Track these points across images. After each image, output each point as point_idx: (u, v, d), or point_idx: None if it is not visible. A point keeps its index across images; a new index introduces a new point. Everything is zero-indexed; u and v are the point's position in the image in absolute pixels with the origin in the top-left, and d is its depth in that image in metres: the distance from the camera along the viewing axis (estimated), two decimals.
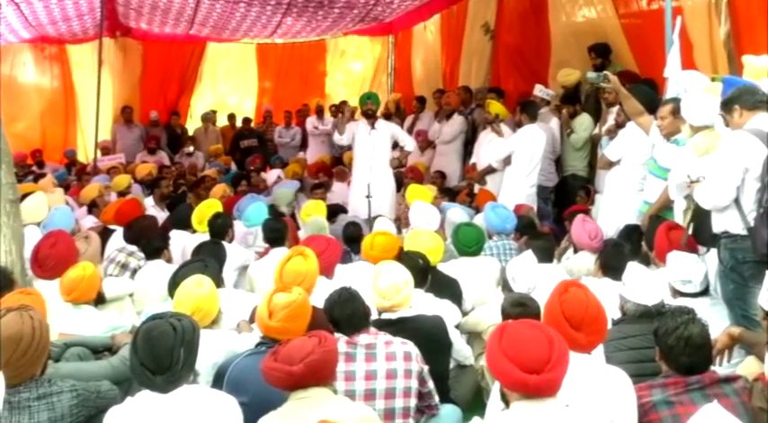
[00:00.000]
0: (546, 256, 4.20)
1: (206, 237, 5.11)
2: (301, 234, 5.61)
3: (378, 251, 4.24)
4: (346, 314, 2.90)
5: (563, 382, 2.08)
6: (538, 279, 3.68)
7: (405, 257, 3.78)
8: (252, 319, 3.41)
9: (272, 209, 6.43)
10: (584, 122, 7.09)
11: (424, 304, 3.54)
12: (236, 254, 5.00)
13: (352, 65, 12.66)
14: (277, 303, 2.82)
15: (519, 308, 3.02)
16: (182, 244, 5.20)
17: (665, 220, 4.19)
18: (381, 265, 3.36)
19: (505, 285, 3.84)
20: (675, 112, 4.34)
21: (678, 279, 3.47)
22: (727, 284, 3.41)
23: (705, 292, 3.49)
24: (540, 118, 6.88)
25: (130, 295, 4.32)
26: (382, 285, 3.19)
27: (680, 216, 4.11)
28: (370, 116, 7.15)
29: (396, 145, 7.70)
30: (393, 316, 3.17)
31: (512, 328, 2.15)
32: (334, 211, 6.59)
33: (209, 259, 3.87)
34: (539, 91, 7.49)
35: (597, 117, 6.88)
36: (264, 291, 3.23)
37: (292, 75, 12.25)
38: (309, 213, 5.88)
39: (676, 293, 3.49)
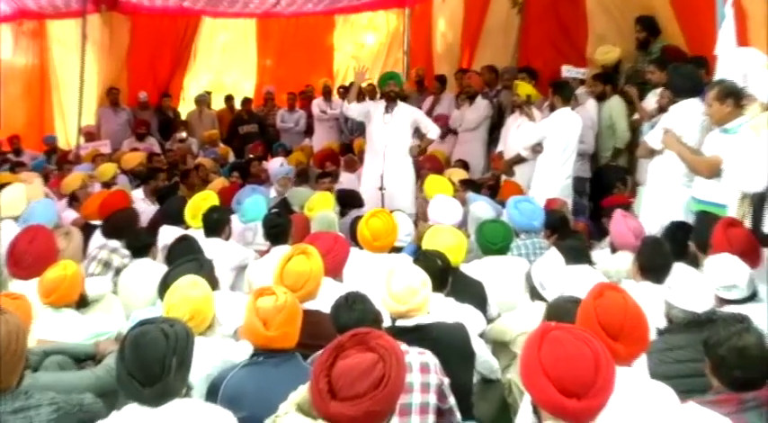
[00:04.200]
0: (578, 256, 4.17)
1: (200, 232, 5.13)
2: None
3: (373, 236, 4.35)
4: (354, 319, 2.90)
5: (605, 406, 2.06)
6: (569, 283, 3.66)
7: (422, 257, 3.77)
8: None
9: (285, 205, 6.44)
10: (613, 106, 7.06)
11: (444, 310, 3.53)
12: (234, 252, 5.02)
13: (364, 39, 12.64)
14: (267, 310, 2.82)
15: (570, 303, 2.98)
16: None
17: (719, 217, 4.14)
18: (395, 265, 3.36)
19: (533, 292, 3.82)
20: (723, 96, 4.29)
21: (721, 285, 3.43)
22: None
23: (752, 297, 3.45)
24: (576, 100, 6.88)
25: (114, 295, 4.34)
26: (396, 288, 3.18)
27: (734, 209, 4.07)
28: (392, 99, 7.11)
29: (416, 132, 7.70)
30: (409, 322, 3.16)
31: (554, 338, 2.11)
32: (346, 202, 6.58)
33: (203, 258, 3.87)
34: (566, 72, 7.46)
35: (641, 98, 6.83)
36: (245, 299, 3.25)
37: (296, 52, 12.25)
38: (315, 207, 5.88)
39: (722, 302, 3.43)
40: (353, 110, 7.19)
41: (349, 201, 6.60)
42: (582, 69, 7.48)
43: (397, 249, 4.86)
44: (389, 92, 7.12)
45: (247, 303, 2.91)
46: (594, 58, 7.61)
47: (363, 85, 7.23)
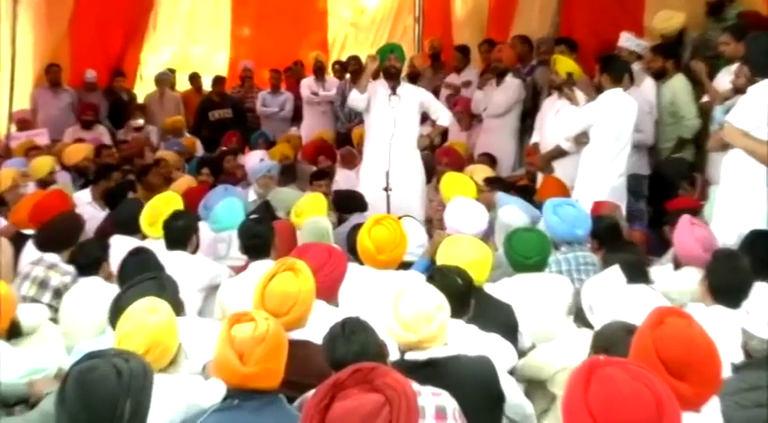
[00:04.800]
0: (633, 274, 4.16)
1: (160, 244, 5.14)
2: None
3: (377, 249, 4.37)
4: (353, 353, 2.90)
5: None
6: (626, 308, 3.65)
7: (437, 275, 3.77)
8: None
9: (267, 210, 6.46)
10: (676, 87, 7.05)
11: (465, 340, 3.52)
12: (203, 269, 5.02)
13: (366, 2, 12.66)
14: (244, 340, 2.82)
15: (622, 332, 2.98)
16: None
17: None
18: (403, 285, 3.36)
19: (579, 316, 3.81)
20: None
21: None
22: None
23: None
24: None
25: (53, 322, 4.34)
26: (405, 313, 3.17)
27: None
28: (393, 76, 7.15)
29: (426, 118, 7.70)
30: (421, 356, 3.16)
31: (605, 376, 2.11)
32: (343, 206, 6.60)
33: (165, 276, 3.88)
34: (626, 41, 7.46)
35: (711, 77, 6.83)
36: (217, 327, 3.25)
37: (281, 18, 12.28)
38: (304, 212, 5.89)
39: None
40: (362, 99, 7.15)
41: (347, 204, 6.61)
42: (644, 42, 7.47)
43: (407, 265, 4.87)
44: (389, 68, 7.14)
45: (220, 332, 2.91)
46: (653, 26, 7.61)
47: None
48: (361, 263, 4.66)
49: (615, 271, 3.91)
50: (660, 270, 4.95)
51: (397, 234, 4.58)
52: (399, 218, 5.38)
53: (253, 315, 2.93)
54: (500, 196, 6.22)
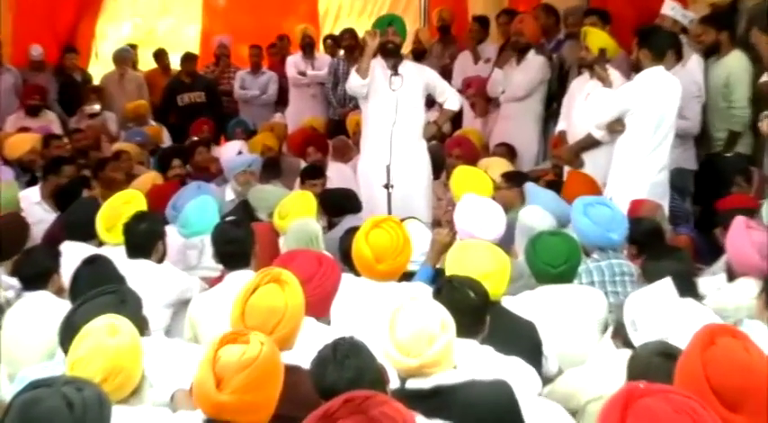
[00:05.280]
0: (679, 285, 4.17)
1: (120, 251, 5.14)
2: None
3: (376, 257, 4.37)
4: (346, 380, 2.90)
5: None
6: (672, 325, 3.65)
7: (447, 287, 3.78)
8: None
9: (245, 210, 6.46)
10: (731, 65, 7.03)
11: (480, 363, 3.53)
12: (170, 281, 5.04)
13: None
14: (227, 363, 2.83)
15: (659, 358, 2.98)
16: None
17: None
18: (402, 300, 3.36)
19: (618, 333, 3.82)
20: None
21: None
22: None
23: None
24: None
25: None
26: (403, 334, 3.18)
27: None
28: (391, 54, 7.16)
29: (432, 102, 7.70)
30: (425, 384, 3.16)
31: (645, 408, 2.12)
32: (335, 207, 6.61)
33: (126, 289, 3.88)
34: (671, 9, 7.44)
35: None
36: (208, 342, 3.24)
37: None
38: (290, 213, 5.88)
39: None
40: (365, 85, 7.14)
41: (337, 205, 6.60)
42: (690, 13, 7.47)
43: (411, 275, 4.87)
44: (387, 44, 7.15)
45: (207, 350, 2.92)
46: None
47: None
48: (358, 273, 4.66)
49: (666, 284, 3.89)
50: (710, 281, 4.97)
51: (400, 239, 4.57)
52: (402, 220, 5.39)
53: (250, 337, 2.94)
54: (529, 188, 6.21)
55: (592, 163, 6.94)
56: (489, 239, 4.91)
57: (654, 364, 2.96)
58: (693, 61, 7.29)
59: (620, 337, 3.78)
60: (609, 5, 8.49)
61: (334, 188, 7.18)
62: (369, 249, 4.52)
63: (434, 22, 10.91)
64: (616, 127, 6.59)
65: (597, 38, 7.19)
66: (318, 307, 4.00)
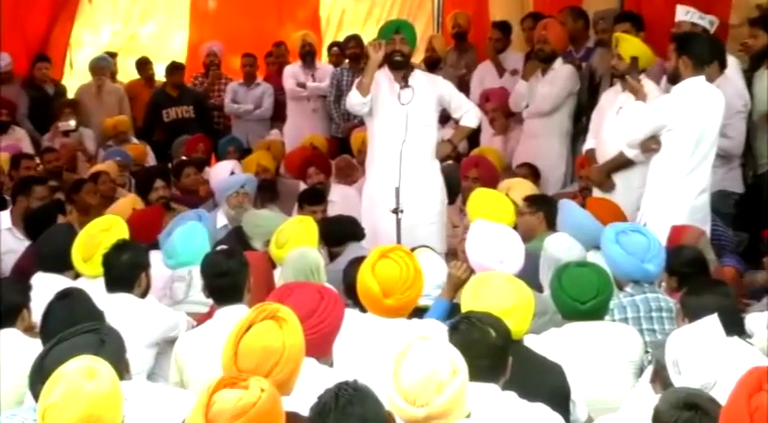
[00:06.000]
0: (727, 323, 4.16)
1: (98, 284, 5.15)
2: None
3: (384, 290, 4.34)
4: None
5: None
6: (720, 367, 3.65)
7: (464, 325, 3.77)
8: None
9: (238, 238, 6.46)
10: None
11: (501, 411, 3.52)
12: (155, 317, 5.04)
13: None
14: (221, 410, 2.83)
15: (688, 412, 2.99)
16: None
17: None
18: (411, 339, 3.36)
19: (658, 375, 3.81)
20: None
21: None
22: None
23: None
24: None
25: None
26: (407, 379, 3.17)
27: None
28: (399, 65, 7.18)
29: (447, 117, 7.70)
30: None
31: None
32: (336, 235, 6.63)
33: (106, 328, 3.89)
34: (685, 14, 7.42)
35: None
36: (202, 385, 3.25)
37: None
38: (288, 241, 5.90)
39: None
40: (366, 104, 7.16)
41: (337, 233, 6.65)
42: (709, 16, 7.47)
43: (423, 311, 4.86)
44: (394, 54, 7.15)
45: (201, 393, 2.93)
46: None
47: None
48: (363, 309, 4.66)
49: (713, 321, 3.88)
50: (758, 318, 4.95)
51: (410, 271, 4.53)
52: (413, 249, 5.39)
53: (250, 381, 2.94)
54: (564, 206, 6.22)
55: (624, 185, 6.96)
56: (511, 271, 4.91)
57: (683, 419, 2.96)
58: (732, 70, 7.24)
59: (660, 380, 3.77)
60: (644, 9, 8.48)
61: (331, 217, 7.18)
62: (375, 282, 4.47)
63: (448, 29, 10.90)
64: (651, 145, 6.57)
65: (630, 45, 7.17)
66: (320, 346, 3.98)
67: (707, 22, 7.42)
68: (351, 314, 4.44)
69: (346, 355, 4.31)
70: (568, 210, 6.19)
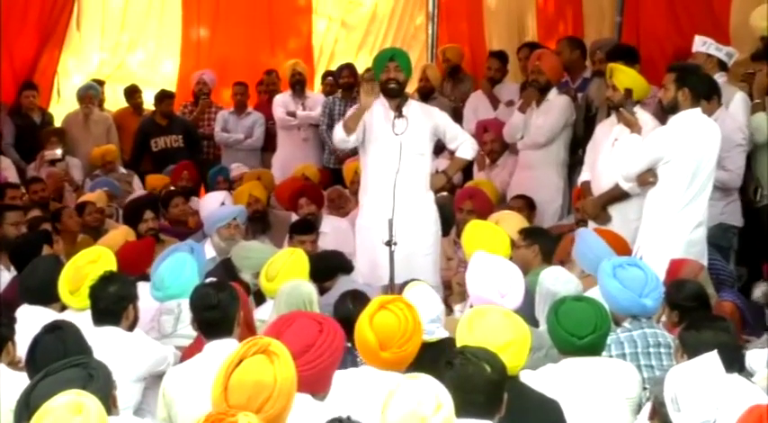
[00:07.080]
0: (727, 360, 4.17)
1: (85, 317, 5.14)
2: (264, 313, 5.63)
3: (381, 343, 4.30)
4: None
5: None
6: (720, 404, 3.64)
7: (459, 361, 3.76)
8: None
9: (227, 271, 6.46)
10: None
11: None
12: (143, 351, 5.03)
13: None
14: None
15: None
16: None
17: None
18: (398, 378, 3.36)
19: (657, 413, 3.81)
20: None
21: None
22: None
23: None
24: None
25: None
26: (393, 416, 3.18)
27: None
28: (394, 94, 7.19)
29: (441, 148, 7.71)
30: None
31: None
32: (327, 269, 6.63)
33: (95, 362, 3.87)
34: (702, 45, 7.44)
35: None
36: (190, 421, 3.24)
37: (248, 16, 12.38)
38: (279, 274, 5.91)
39: None
40: (350, 141, 7.19)
41: (327, 266, 6.65)
42: (727, 47, 7.49)
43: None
44: (388, 82, 7.17)
45: None
46: (750, 24, 7.63)
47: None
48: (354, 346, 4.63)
49: (713, 358, 3.88)
50: (759, 355, 4.95)
51: (409, 324, 4.41)
52: (406, 283, 5.38)
53: (238, 417, 2.93)
54: (581, 234, 6.22)
55: (620, 218, 6.95)
56: (508, 306, 4.91)
57: None
58: (737, 102, 7.27)
59: (659, 417, 3.77)
60: (642, 38, 8.50)
61: (316, 253, 7.14)
62: (372, 334, 4.39)
63: (440, 59, 10.91)
64: (647, 178, 6.59)
65: (625, 76, 7.18)
66: (317, 382, 3.93)
67: (724, 53, 7.44)
68: (343, 373, 4.38)
69: (342, 392, 4.28)
70: (584, 238, 6.18)
